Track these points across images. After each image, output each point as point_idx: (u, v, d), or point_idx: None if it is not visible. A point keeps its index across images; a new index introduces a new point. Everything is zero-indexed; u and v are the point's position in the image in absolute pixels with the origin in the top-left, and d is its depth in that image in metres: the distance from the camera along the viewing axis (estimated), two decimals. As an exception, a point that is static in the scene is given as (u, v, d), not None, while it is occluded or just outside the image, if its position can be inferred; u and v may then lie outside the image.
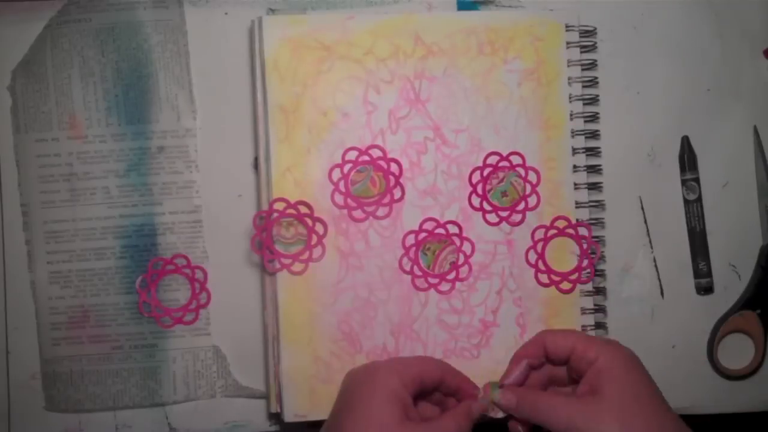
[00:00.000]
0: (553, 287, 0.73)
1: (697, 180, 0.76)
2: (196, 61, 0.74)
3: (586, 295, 0.73)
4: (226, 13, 0.74)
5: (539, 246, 0.72)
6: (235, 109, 0.74)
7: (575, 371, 0.67)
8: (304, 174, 0.71)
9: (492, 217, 0.72)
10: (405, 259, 0.71)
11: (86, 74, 0.73)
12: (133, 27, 0.73)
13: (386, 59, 0.72)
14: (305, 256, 0.71)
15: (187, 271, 0.72)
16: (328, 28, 0.71)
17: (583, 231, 0.73)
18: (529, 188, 0.73)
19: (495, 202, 0.72)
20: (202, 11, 0.74)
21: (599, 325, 0.73)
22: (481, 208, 0.72)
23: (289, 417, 0.71)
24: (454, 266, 0.72)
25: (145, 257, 0.73)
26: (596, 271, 0.74)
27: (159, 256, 0.73)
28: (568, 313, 0.73)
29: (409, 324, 0.72)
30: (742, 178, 0.77)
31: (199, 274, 0.72)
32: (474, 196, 0.72)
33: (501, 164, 0.72)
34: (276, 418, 0.73)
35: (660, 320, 0.76)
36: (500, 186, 0.72)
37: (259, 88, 0.71)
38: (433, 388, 0.68)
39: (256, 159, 0.73)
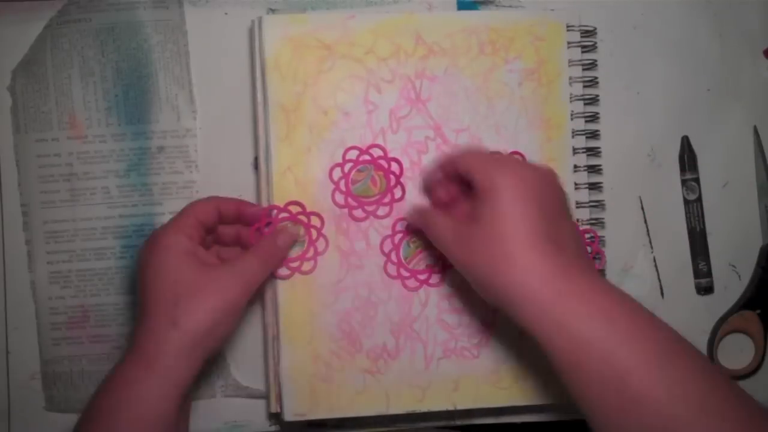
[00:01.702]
0: None
1: (697, 180, 0.76)
2: (196, 61, 0.74)
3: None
4: (226, 13, 0.74)
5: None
6: (235, 109, 0.74)
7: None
8: (304, 173, 0.71)
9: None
10: (387, 241, 0.72)
11: (86, 74, 0.73)
12: (133, 27, 0.73)
13: (387, 59, 0.72)
14: (311, 253, 0.70)
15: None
16: (328, 28, 0.71)
17: (589, 237, 0.73)
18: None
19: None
20: (202, 11, 0.74)
21: (599, 325, 0.73)
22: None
23: (289, 416, 0.71)
24: (429, 269, 0.72)
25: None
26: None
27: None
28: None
29: (409, 323, 0.72)
30: (742, 178, 0.77)
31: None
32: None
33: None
34: (276, 417, 0.73)
35: (660, 320, 0.76)
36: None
37: (260, 88, 0.71)
38: (220, 223, 0.69)
39: (256, 159, 0.73)
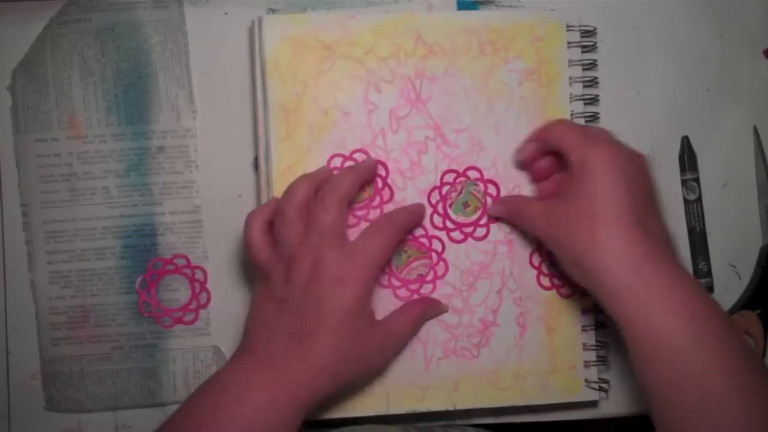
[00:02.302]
0: (553, 290, 0.73)
1: (697, 180, 0.76)
2: (196, 61, 0.74)
3: (586, 295, 0.73)
4: (226, 13, 0.74)
5: (545, 249, 0.72)
6: (235, 109, 0.74)
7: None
8: (304, 173, 0.70)
9: (456, 235, 0.72)
10: None
11: (86, 74, 0.73)
12: (133, 27, 0.73)
13: (387, 58, 0.72)
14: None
15: (187, 271, 0.72)
16: (328, 28, 0.71)
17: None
18: (490, 201, 0.72)
19: (459, 217, 0.72)
20: (202, 11, 0.74)
21: (599, 325, 0.73)
22: (444, 227, 0.72)
23: (289, 417, 0.71)
24: (420, 279, 0.72)
25: (145, 257, 0.73)
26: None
27: (159, 256, 0.73)
28: (569, 313, 0.73)
29: (409, 324, 0.72)
30: (742, 178, 0.77)
31: (199, 274, 0.72)
32: (435, 215, 0.72)
33: (458, 180, 0.72)
34: (276, 418, 0.73)
35: (660, 320, 0.76)
36: (460, 197, 0.72)
37: (260, 88, 0.71)
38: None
39: (256, 159, 0.73)
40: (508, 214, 0.70)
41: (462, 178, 0.72)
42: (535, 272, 0.72)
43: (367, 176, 0.69)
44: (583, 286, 0.65)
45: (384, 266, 0.68)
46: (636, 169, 0.64)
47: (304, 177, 0.68)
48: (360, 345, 0.65)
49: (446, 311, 0.71)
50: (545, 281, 0.72)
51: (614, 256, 0.61)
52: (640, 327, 0.59)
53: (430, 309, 0.70)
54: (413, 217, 0.70)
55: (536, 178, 0.71)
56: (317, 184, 0.67)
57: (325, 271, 0.63)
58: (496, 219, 0.72)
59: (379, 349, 0.67)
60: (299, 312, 0.63)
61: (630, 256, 0.60)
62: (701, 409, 0.57)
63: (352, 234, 0.70)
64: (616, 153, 0.64)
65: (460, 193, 0.72)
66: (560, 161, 0.69)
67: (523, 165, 0.72)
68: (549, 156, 0.70)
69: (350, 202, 0.69)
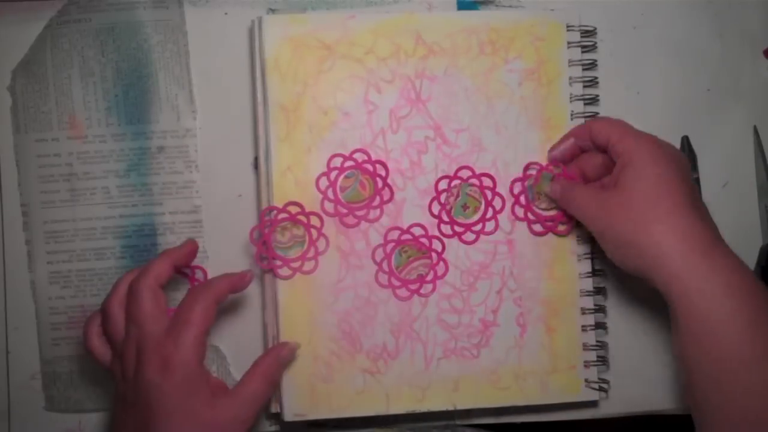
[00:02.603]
0: (550, 234, 0.73)
1: (697, 180, 0.76)
2: (196, 61, 0.74)
3: (586, 295, 0.73)
4: (226, 13, 0.74)
5: (522, 198, 0.72)
6: (235, 109, 0.74)
7: (614, 162, 0.68)
8: (304, 173, 0.71)
9: (468, 236, 0.73)
10: (379, 250, 0.72)
11: (86, 74, 0.73)
12: (133, 27, 0.73)
13: (387, 58, 0.72)
14: (312, 253, 0.71)
15: (187, 271, 0.72)
16: (328, 28, 0.71)
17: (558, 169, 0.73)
18: (489, 194, 0.72)
19: (460, 219, 0.72)
20: (202, 11, 0.74)
21: (599, 325, 0.74)
22: (454, 232, 0.72)
23: (289, 416, 0.71)
24: (420, 279, 0.72)
25: (145, 257, 0.73)
26: (596, 271, 0.74)
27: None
28: (569, 313, 0.73)
29: (409, 323, 0.72)
30: (742, 178, 0.77)
31: (199, 274, 0.72)
32: (442, 224, 0.72)
33: (453, 184, 0.72)
34: (276, 418, 0.73)
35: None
36: (458, 201, 0.72)
37: (260, 88, 0.71)
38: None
39: (256, 159, 0.73)
40: (561, 195, 0.70)
41: (456, 181, 0.72)
42: (525, 223, 0.73)
43: (183, 259, 0.68)
44: (630, 271, 0.65)
45: (208, 331, 0.64)
46: (681, 161, 0.66)
47: (128, 272, 0.67)
48: (207, 424, 0.62)
49: (297, 347, 0.70)
50: (537, 228, 0.73)
51: (672, 237, 0.61)
52: (696, 307, 0.60)
53: (281, 356, 0.68)
54: (233, 286, 0.67)
55: (577, 175, 0.71)
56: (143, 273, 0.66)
57: (147, 361, 0.62)
58: (501, 209, 0.72)
59: (235, 419, 0.64)
60: (135, 406, 0.62)
61: (687, 238, 0.61)
62: (752, 392, 0.58)
63: (353, 233, 0.70)
64: (663, 144, 0.66)
65: (457, 197, 0.72)
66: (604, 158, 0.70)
67: (560, 160, 0.72)
68: (591, 153, 0.71)
69: (349, 202, 0.69)
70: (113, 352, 0.65)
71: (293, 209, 0.70)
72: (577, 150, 0.71)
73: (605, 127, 0.68)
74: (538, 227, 0.72)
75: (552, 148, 0.72)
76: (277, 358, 0.68)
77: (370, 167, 0.71)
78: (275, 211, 0.70)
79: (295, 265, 0.70)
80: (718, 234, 0.64)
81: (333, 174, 0.71)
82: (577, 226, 0.72)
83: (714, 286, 0.60)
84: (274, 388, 0.69)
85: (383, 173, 0.71)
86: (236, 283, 0.67)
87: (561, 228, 0.72)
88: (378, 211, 0.71)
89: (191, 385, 0.62)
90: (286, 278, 0.70)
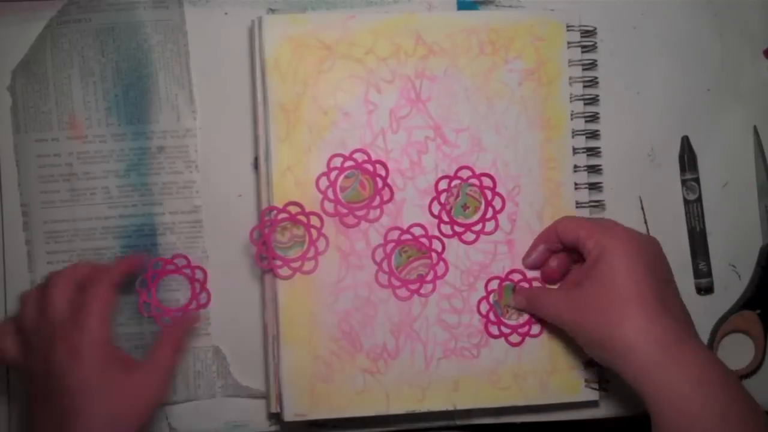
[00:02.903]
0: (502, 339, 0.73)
1: (697, 180, 0.76)
2: (196, 61, 0.74)
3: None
4: (226, 13, 0.74)
5: (491, 315, 0.73)
6: (235, 108, 0.74)
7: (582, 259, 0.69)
8: (304, 173, 0.71)
9: (468, 236, 0.73)
10: (379, 250, 0.72)
11: (86, 74, 0.73)
12: (133, 27, 0.73)
13: (387, 58, 0.72)
14: (311, 253, 0.71)
15: (187, 271, 0.72)
16: (329, 28, 0.71)
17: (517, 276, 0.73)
18: (489, 194, 0.72)
19: (460, 219, 0.72)
20: (202, 11, 0.74)
21: (599, 325, 0.74)
22: (454, 232, 0.72)
23: (289, 416, 0.71)
24: (420, 279, 0.72)
25: (145, 257, 0.73)
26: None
27: (159, 256, 0.73)
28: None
29: (409, 323, 0.72)
30: (742, 178, 0.77)
31: (199, 274, 0.72)
32: (442, 224, 0.72)
33: (453, 184, 0.72)
34: (276, 418, 0.73)
35: (660, 320, 0.76)
36: (458, 201, 0.72)
37: (260, 88, 0.71)
38: None
39: (257, 159, 0.73)
40: (528, 305, 0.71)
41: (456, 181, 0.72)
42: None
43: (117, 274, 0.68)
44: (604, 365, 0.66)
45: (110, 310, 0.65)
46: (652, 253, 0.66)
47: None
48: (124, 393, 0.63)
49: (197, 318, 0.71)
50: (493, 330, 0.73)
51: (640, 335, 0.62)
52: (667, 404, 0.60)
53: (185, 323, 0.71)
54: (129, 267, 0.69)
55: (547, 277, 0.72)
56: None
57: (54, 346, 0.63)
58: (501, 209, 0.72)
59: (149, 386, 0.65)
60: (51, 395, 0.63)
61: (655, 336, 0.62)
62: None
63: (353, 233, 0.70)
64: (631, 238, 0.66)
65: (457, 197, 0.72)
66: (568, 258, 0.71)
67: (534, 267, 0.72)
68: (558, 255, 0.71)
69: (349, 202, 0.70)
70: (23, 347, 0.66)
71: (293, 209, 0.70)
72: (548, 254, 0.72)
73: (571, 225, 0.69)
74: (515, 338, 0.72)
75: (524, 258, 0.72)
76: (182, 325, 0.70)
77: (370, 167, 0.71)
78: (275, 211, 0.70)
79: (295, 265, 0.70)
80: (690, 326, 0.65)
81: (333, 174, 0.71)
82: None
83: (683, 383, 0.60)
84: (181, 354, 0.70)
85: (383, 173, 0.71)
86: (132, 264, 0.69)
87: (535, 330, 0.72)
88: (378, 211, 0.71)
89: (101, 362, 0.63)
90: (286, 278, 0.70)
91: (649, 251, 0.66)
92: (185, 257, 0.73)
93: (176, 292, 0.73)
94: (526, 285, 0.72)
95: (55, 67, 0.73)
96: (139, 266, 0.70)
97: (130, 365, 0.65)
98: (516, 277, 0.72)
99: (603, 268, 0.64)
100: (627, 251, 0.65)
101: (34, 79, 0.73)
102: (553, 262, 0.71)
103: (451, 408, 0.72)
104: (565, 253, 0.71)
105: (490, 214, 0.72)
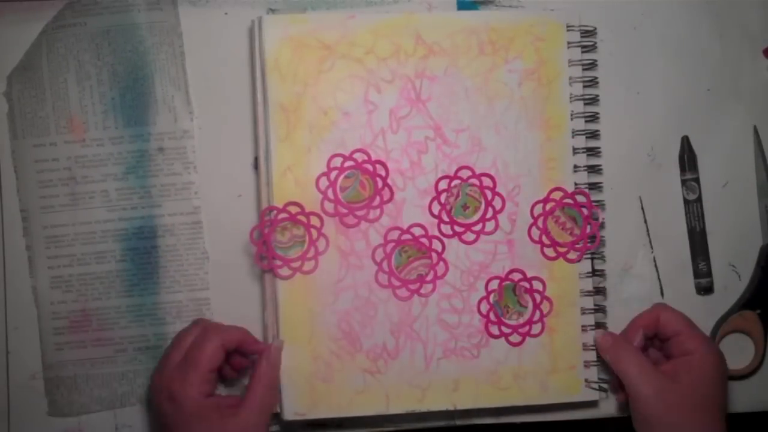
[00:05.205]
0: (560, 259, 0.73)
1: (697, 180, 0.76)
2: (196, 61, 0.74)
3: (586, 295, 0.73)
4: (225, 13, 0.74)
5: (540, 221, 0.73)
6: (235, 109, 0.74)
7: (669, 350, 0.72)
8: (304, 173, 0.71)
9: (468, 236, 0.73)
10: (379, 250, 0.72)
11: (83, 78, 0.73)
12: (129, 30, 0.73)
13: (387, 58, 0.71)
14: (312, 252, 0.70)
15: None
16: (329, 28, 0.71)
17: (581, 198, 0.73)
18: (489, 194, 0.72)
19: (460, 219, 0.72)
20: (202, 11, 0.74)
21: (599, 325, 0.74)
22: (454, 232, 0.72)
23: (288, 415, 0.71)
24: (420, 279, 0.72)
25: (146, 260, 0.73)
26: (596, 271, 0.74)
27: (160, 257, 0.73)
28: (569, 313, 0.73)
29: (409, 323, 0.72)
30: (742, 178, 0.77)
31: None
32: (442, 224, 0.72)
33: (453, 184, 0.72)
34: (276, 417, 0.73)
35: (660, 320, 0.76)
36: (458, 201, 0.72)
37: (260, 88, 0.71)
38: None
39: (256, 159, 0.73)
40: (610, 349, 0.72)
41: (456, 181, 0.72)
42: (538, 247, 0.73)
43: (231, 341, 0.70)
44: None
45: (214, 370, 0.68)
46: (725, 365, 0.71)
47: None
48: None
49: (281, 345, 0.71)
50: (550, 252, 0.73)
51: None
52: None
53: (271, 359, 0.70)
54: (243, 342, 0.70)
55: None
56: None
57: (159, 390, 0.67)
58: (501, 209, 0.72)
59: (247, 428, 0.67)
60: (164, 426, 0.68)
61: None
62: None
63: (353, 233, 0.70)
64: (718, 352, 0.71)
65: (457, 197, 0.72)
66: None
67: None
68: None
69: (349, 202, 0.69)
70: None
71: (293, 209, 0.70)
72: (643, 339, 0.74)
73: (673, 322, 0.73)
74: (515, 338, 0.73)
75: (628, 334, 0.74)
76: (269, 361, 0.70)
77: (370, 167, 0.71)
78: (275, 211, 0.70)
79: (295, 265, 0.70)
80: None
81: (333, 174, 0.71)
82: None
83: None
84: (275, 390, 0.71)
85: (383, 173, 0.71)
86: (248, 342, 0.71)
87: (535, 330, 0.73)
88: (378, 211, 0.71)
89: (199, 416, 0.66)
90: (285, 278, 0.70)
91: (724, 363, 0.71)
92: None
93: (176, 294, 0.73)
94: (526, 285, 0.72)
95: (52, 71, 0.73)
96: (251, 349, 0.71)
97: (226, 412, 0.67)
98: (516, 276, 0.72)
99: (699, 375, 0.69)
100: (716, 365, 0.70)
101: (30, 85, 0.73)
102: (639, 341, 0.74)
103: (451, 408, 0.72)
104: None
105: (490, 214, 0.72)
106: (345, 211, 0.71)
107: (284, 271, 0.70)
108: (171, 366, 0.67)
